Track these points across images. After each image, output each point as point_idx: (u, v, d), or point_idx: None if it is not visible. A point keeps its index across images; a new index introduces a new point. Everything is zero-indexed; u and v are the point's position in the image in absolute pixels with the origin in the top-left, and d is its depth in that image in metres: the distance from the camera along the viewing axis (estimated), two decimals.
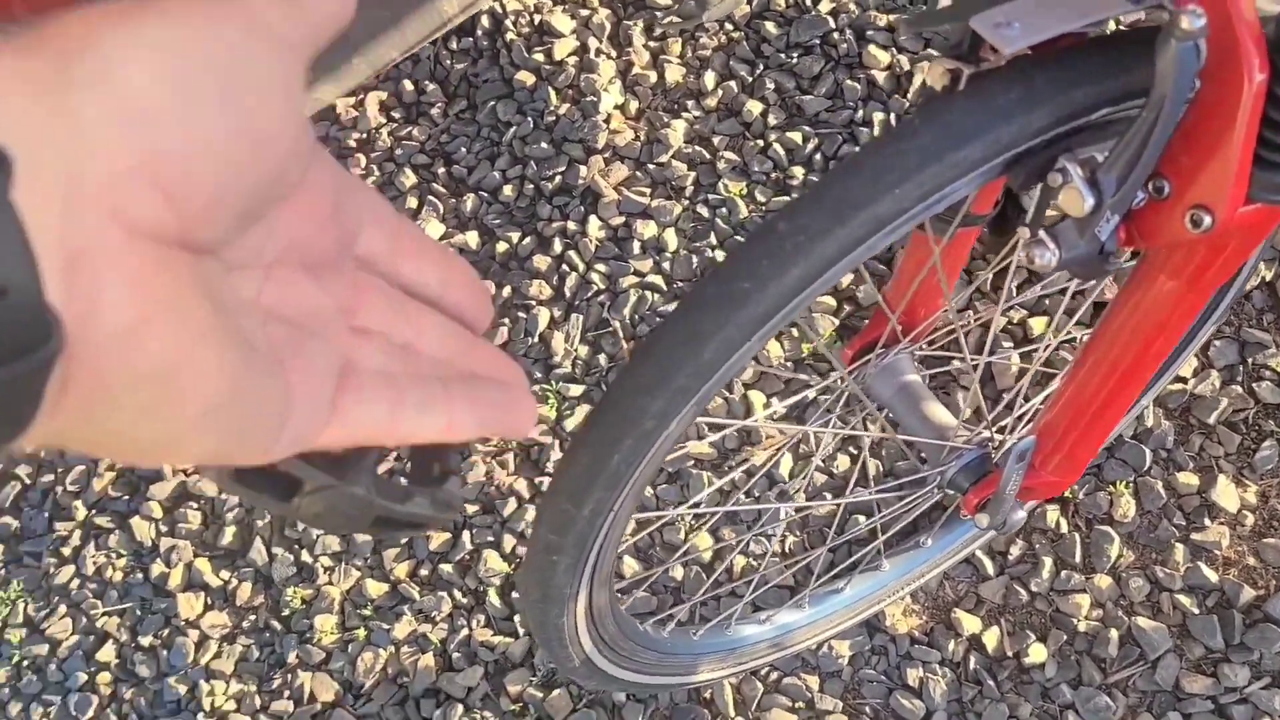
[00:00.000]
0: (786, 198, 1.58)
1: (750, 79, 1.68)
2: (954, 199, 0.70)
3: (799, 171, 1.59)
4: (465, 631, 1.44)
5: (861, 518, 1.35)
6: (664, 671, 1.11)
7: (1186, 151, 0.67)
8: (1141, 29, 0.69)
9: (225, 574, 1.57)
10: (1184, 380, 1.35)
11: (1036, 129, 0.68)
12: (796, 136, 1.61)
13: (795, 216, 0.67)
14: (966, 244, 1.00)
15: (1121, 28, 0.73)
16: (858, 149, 1.44)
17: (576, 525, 0.77)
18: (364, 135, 1.81)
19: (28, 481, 1.71)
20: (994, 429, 0.96)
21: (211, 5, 0.25)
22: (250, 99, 0.25)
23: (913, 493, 1.09)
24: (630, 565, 1.40)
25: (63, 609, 1.61)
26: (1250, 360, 1.35)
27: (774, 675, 1.34)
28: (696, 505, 1.38)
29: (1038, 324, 1.41)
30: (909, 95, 1.59)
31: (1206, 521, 1.29)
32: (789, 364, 1.47)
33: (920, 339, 1.02)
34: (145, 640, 1.56)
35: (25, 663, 1.60)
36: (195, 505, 1.62)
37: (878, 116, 1.59)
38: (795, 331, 1.49)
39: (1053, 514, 1.33)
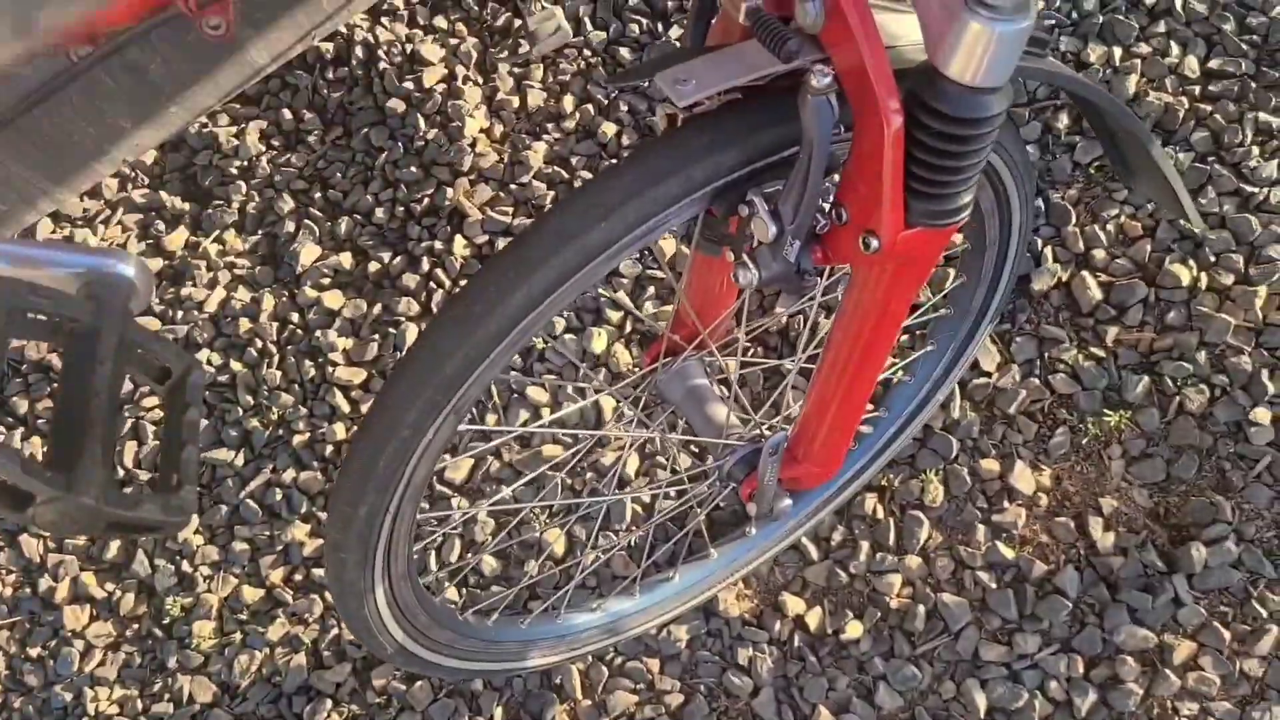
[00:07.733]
0: None
1: (606, 102, 1.78)
2: (665, 229, 0.81)
3: None
4: (335, 631, 1.53)
5: (699, 510, 1.46)
6: (490, 658, 1.21)
7: (857, 183, 0.78)
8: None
9: (110, 586, 1.64)
10: (988, 374, 1.47)
11: (728, 167, 0.78)
12: None
13: (516, 248, 0.78)
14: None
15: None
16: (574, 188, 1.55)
17: (355, 525, 0.86)
18: (245, 163, 1.89)
19: None
20: (764, 426, 1.07)
21: None
22: None
23: (696, 486, 1.19)
24: (488, 562, 1.50)
25: None
26: (1047, 355, 1.47)
27: (618, 659, 1.44)
28: (499, 502, 1.47)
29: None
30: None
31: (1006, 504, 1.41)
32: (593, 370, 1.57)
33: (705, 347, 1.12)
34: (34, 651, 1.63)
35: None
36: None
37: None
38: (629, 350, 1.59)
39: (870, 501, 1.44)
